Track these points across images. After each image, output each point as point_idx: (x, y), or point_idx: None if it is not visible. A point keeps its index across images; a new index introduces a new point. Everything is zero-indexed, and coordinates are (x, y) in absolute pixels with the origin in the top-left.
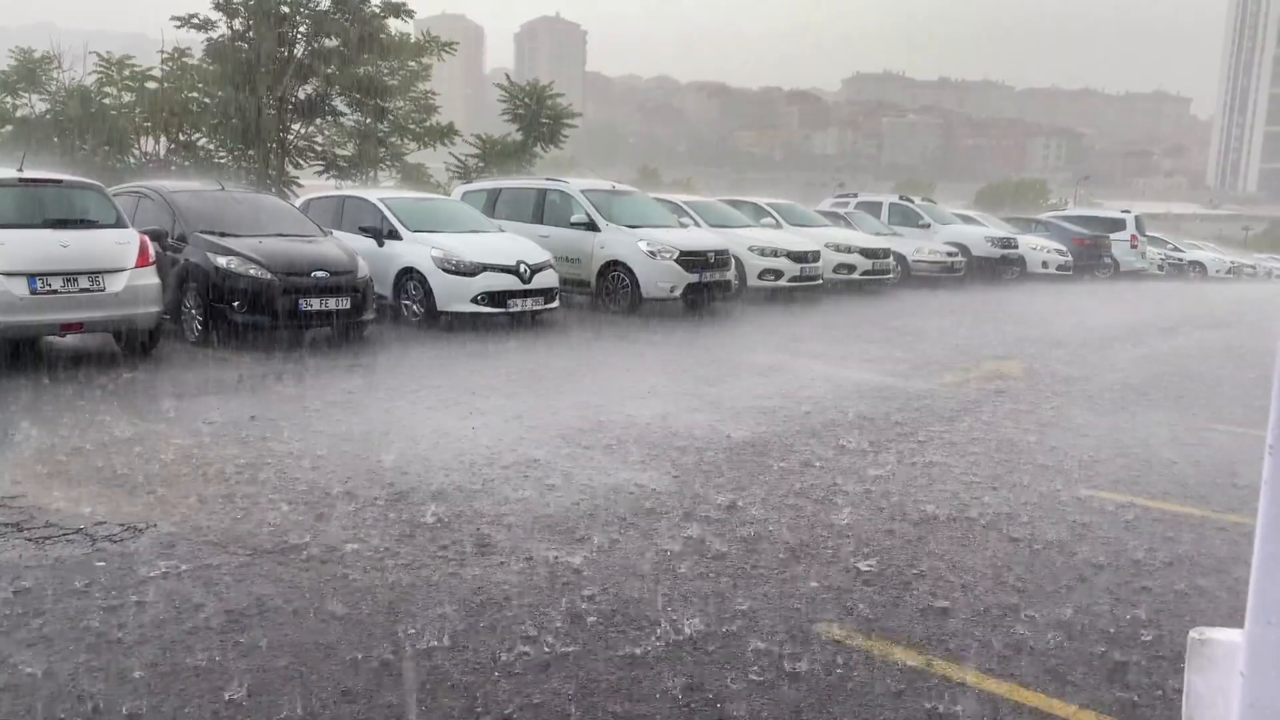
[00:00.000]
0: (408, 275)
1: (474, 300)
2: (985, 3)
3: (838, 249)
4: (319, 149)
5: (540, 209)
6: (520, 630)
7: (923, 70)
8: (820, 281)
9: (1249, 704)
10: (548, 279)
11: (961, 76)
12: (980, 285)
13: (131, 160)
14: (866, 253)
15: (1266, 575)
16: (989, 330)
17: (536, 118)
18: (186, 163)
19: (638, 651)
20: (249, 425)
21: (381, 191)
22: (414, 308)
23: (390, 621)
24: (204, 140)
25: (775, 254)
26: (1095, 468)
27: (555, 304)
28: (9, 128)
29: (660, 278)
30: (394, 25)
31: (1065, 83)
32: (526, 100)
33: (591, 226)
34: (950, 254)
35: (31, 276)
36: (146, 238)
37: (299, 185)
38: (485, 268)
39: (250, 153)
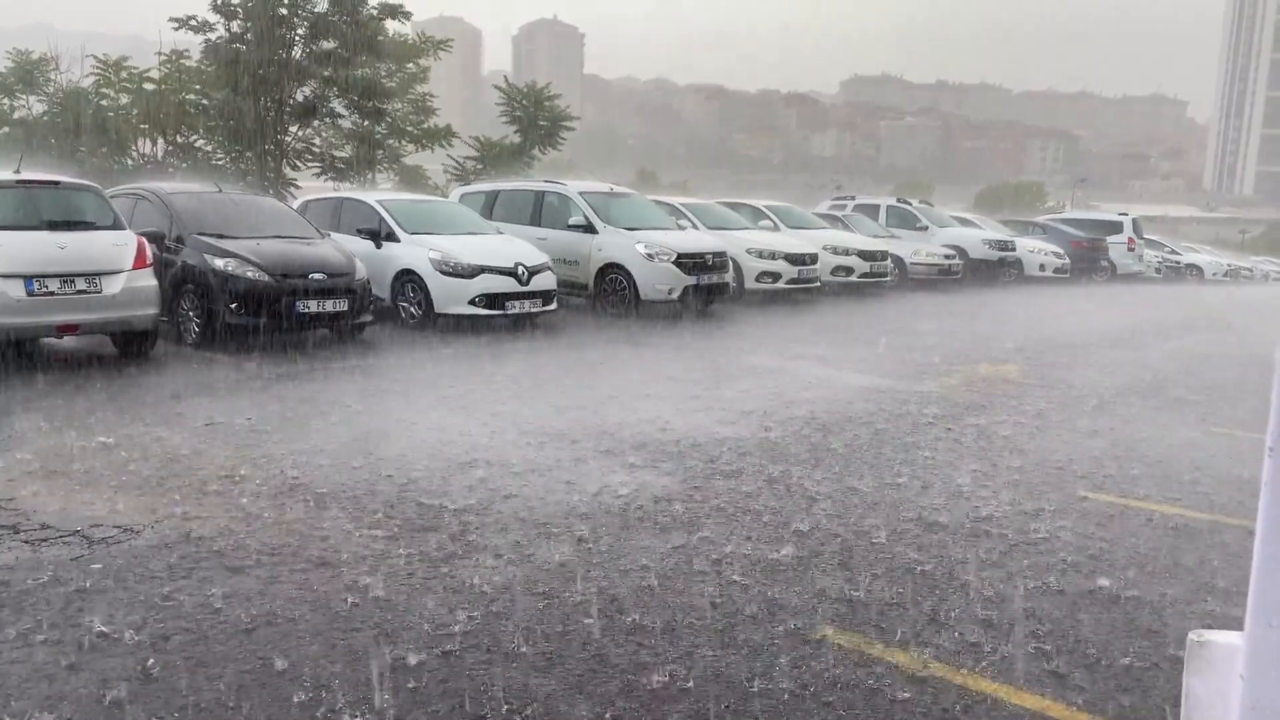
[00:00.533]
0: (405, 277)
1: (472, 302)
2: (983, 5)
3: (835, 251)
4: (317, 151)
5: (538, 211)
6: (518, 631)
7: (920, 73)
8: (818, 284)
9: (1249, 706)
10: (545, 281)
11: (959, 79)
12: (977, 288)
13: (129, 162)
14: (864, 255)
15: (1266, 576)
16: (986, 333)
17: (534, 120)
18: (184, 164)
19: (637, 651)
20: (246, 427)
21: (379, 193)
22: (411, 310)
23: (389, 621)
24: (202, 142)
25: (773, 256)
26: (1095, 470)
27: (553, 306)
28: (6, 129)
29: (658, 280)
30: (391, 27)
31: (1063, 85)
32: (524, 102)
33: (589, 229)
34: (948, 256)
35: (28, 278)
36: (144, 239)
37: (297, 187)
38: (483, 270)
39: (248, 154)
